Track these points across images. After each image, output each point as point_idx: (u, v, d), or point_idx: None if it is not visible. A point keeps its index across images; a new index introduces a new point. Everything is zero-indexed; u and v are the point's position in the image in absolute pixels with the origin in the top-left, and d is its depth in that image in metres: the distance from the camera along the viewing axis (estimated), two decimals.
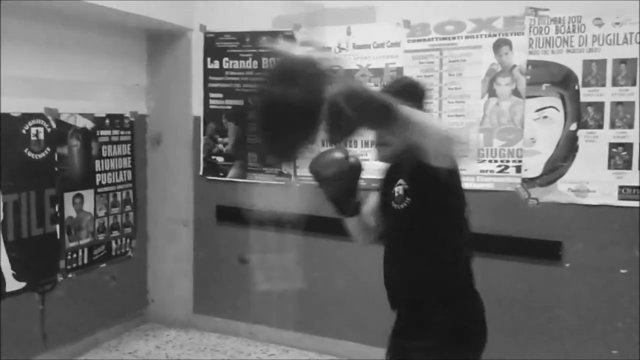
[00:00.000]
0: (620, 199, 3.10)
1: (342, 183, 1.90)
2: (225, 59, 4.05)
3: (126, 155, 4.15)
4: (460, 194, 1.85)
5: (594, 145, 3.14)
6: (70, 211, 3.69)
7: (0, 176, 3.22)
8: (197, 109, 4.17)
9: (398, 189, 1.82)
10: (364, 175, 1.96)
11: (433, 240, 1.81)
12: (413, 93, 1.87)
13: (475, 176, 3.37)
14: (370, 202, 2.08)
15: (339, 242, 3.77)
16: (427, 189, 1.74)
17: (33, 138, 3.41)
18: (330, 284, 3.82)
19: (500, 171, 3.34)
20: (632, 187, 3.07)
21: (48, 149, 3.51)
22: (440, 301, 1.81)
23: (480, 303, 1.91)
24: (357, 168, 1.91)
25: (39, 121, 3.44)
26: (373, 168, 2.12)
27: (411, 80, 2.22)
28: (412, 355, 1.82)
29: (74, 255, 3.74)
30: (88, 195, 3.83)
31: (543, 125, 3.24)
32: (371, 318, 3.45)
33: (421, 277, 1.82)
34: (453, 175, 1.74)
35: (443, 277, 1.83)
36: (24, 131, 3.35)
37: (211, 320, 4.26)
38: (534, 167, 3.27)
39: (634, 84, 3.04)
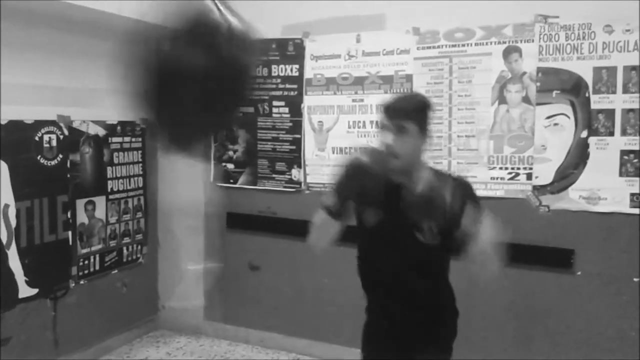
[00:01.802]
0: (632, 206, 3.08)
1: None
2: None
3: (137, 162, 4.18)
4: None
5: (605, 153, 3.13)
6: (82, 218, 3.72)
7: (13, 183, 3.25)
8: None
9: (430, 225, 1.98)
10: None
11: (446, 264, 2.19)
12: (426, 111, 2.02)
13: (485, 183, 3.36)
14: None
15: (350, 248, 3.77)
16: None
17: (46, 145, 3.44)
18: (342, 291, 3.81)
19: (511, 178, 3.33)
20: None
21: (60, 155, 3.54)
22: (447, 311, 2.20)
23: None
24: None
25: (51, 128, 3.48)
26: None
27: (423, 100, 2.11)
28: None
29: (86, 262, 3.77)
30: (100, 201, 3.86)
31: (554, 132, 3.23)
32: None
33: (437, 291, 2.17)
34: None
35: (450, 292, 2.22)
36: (36, 138, 3.39)
37: (222, 328, 4.27)
38: (545, 174, 3.26)
39: None
